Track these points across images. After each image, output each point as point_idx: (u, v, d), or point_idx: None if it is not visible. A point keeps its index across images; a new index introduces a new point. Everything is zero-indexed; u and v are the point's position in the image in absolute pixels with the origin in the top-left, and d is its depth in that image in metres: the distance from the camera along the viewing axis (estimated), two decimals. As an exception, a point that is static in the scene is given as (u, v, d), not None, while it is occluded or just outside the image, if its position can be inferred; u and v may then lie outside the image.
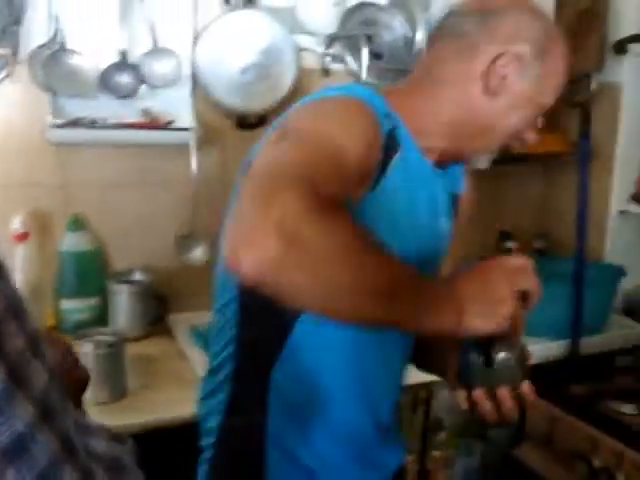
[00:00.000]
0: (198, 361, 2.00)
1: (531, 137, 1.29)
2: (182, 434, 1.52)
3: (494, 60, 1.19)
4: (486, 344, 1.11)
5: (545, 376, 1.32)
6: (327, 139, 1.00)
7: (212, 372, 1.32)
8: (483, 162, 1.32)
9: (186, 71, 2.21)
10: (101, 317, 2.20)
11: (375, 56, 2.26)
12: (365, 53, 2.20)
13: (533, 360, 1.18)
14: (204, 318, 2.19)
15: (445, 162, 1.29)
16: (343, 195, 0.96)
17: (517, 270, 1.02)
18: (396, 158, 1.14)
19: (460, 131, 1.24)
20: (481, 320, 0.97)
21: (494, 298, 0.98)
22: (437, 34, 1.28)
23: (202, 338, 2.12)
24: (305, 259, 0.85)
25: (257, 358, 1.26)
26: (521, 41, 1.19)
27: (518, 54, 1.18)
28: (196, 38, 2.21)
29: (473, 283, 0.98)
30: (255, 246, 0.83)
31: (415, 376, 1.75)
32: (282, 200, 0.85)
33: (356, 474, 1.33)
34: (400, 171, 1.15)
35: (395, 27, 2.26)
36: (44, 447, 0.58)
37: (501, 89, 1.20)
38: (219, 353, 1.29)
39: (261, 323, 1.23)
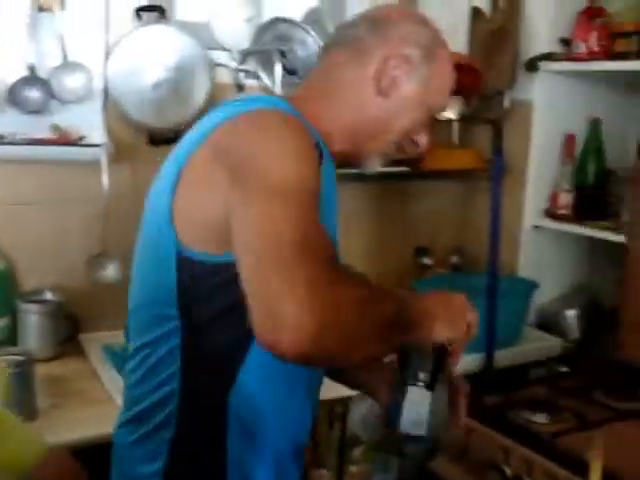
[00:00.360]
0: (111, 380, 1.97)
1: (423, 139, 1.36)
2: (92, 454, 1.48)
3: (385, 62, 1.26)
4: (436, 362, 1.20)
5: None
6: (298, 187, 1.03)
7: (145, 413, 1.26)
8: (374, 166, 1.35)
9: (97, 86, 2.18)
10: (10, 337, 2.14)
11: (289, 72, 2.26)
12: (278, 68, 2.20)
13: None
14: (117, 337, 2.17)
15: (343, 164, 1.34)
16: (333, 247, 1.08)
17: (465, 302, 1.20)
18: (322, 167, 1.16)
19: (359, 134, 1.30)
20: (448, 329, 1.14)
21: (457, 314, 1.17)
22: (331, 42, 1.35)
23: (115, 357, 2.08)
24: (335, 330, 0.93)
25: (206, 393, 1.24)
26: (410, 45, 1.27)
27: (407, 56, 1.26)
28: (108, 53, 2.18)
29: (440, 302, 1.16)
30: (291, 329, 0.89)
31: (331, 391, 1.77)
32: (302, 280, 0.91)
33: None
34: (325, 179, 1.16)
35: (309, 43, 2.27)
36: None
37: (392, 90, 1.27)
38: (151, 392, 1.25)
39: (209, 364, 1.23)
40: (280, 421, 1.28)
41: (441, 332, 1.12)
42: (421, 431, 1.17)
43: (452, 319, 1.15)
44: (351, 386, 1.59)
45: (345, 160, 1.34)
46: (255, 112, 1.14)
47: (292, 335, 0.89)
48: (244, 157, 1.08)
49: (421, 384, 1.18)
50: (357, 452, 2.17)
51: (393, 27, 1.29)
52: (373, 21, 1.30)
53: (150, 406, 1.25)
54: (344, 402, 2.06)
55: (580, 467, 1.50)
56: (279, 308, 0.90)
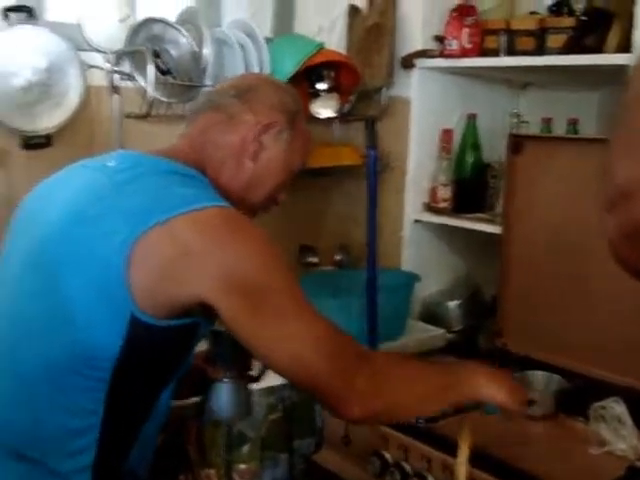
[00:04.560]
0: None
1: (282, 196, 1.53)
2: None
3: (253, 128, 1.38)
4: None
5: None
6: (298, 294, 1.22)
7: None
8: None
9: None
10: None
11: (163, 72, 2.24)
12: (151, 69, 2.18)
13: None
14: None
15: None
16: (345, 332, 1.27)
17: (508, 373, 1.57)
18: None
19: (232, 195, 1.38)
20: (494, 388, 1.42)
21: (500, 378, 1.46)
22: (203, 106, 1.46)
23: None
24: (392, 402, 1.31)
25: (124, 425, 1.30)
26: (275, 111, 1.41)
27: (273, 123, 1.40)
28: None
29: (482, 367, 1.48)
30: (360, 409, 1.24)
31: None
32: (356, 377, 1.23)
33: None
34: None
35: (182, 43, 2.26)
36: None
37: (260, 154, 1.40)
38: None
39: (130, 398, 1.29)
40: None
41: (488, 391, 1.40)
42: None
43: (496, 381, 1.42)
44: None
45: None
46: (209, 215, 1.20)
47: (359, 413, 1.23)
48: (233, 269, 1.17)
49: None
50: (245, 449, 2.17)
51: (256, 94, 1.41)
52: (240, 88, 1.43)
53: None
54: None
55: (452, 449, 1.55)
56: (348, 400, 1.22)
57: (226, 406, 1.55)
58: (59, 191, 1.34)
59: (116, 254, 1.14)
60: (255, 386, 1.61)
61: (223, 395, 1.53)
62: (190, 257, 1.15)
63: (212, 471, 2.18)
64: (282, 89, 1.49)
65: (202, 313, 1.22)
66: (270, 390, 1.63)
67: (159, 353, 1.25)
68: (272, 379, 1.59)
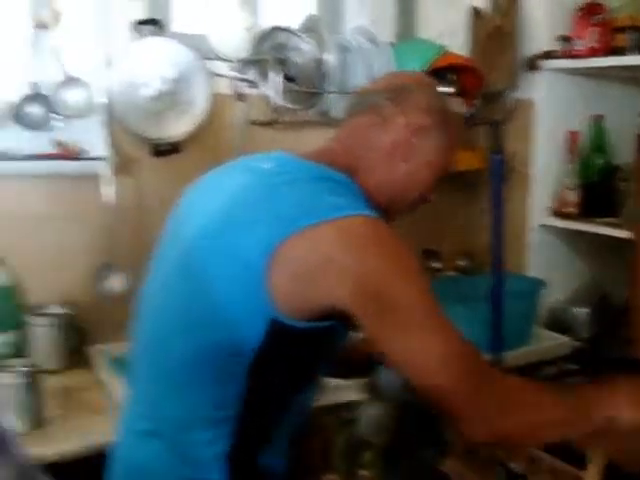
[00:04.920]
0: (118, 390, 1.98)
1: (432, 197, 1.48)
2: (98, 463, 1.50)
3: (404, 130, 1.37)
4: None
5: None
6: (432, 309, 1.20)
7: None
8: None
9: (98, 100, 2.20)
10: (19, 351, 2.16)
11: (288, 80, 2.27)
12: (277, 77, 2.21)
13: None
14: (123, 348, 2.18)
15: None
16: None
17: None
18: None
19: (384, 196, 1.39)
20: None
21: None
22: (353, 108, 1.45)
23: (121, 367, 2.09)
24: (521, 425, 1.26)
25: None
26: (426, 113, 1.38)
27: (424, 124, 1.38)
28: (107, 66, 2.21)
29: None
30: (485, 430, 1.21)
31: (339, 395, 1.89)
32: (482, 397, 1.20)
33: None
34: None
35: (306, 50, 2.28)
36: None
37: (411, 156, 1.38)
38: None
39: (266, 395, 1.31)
40: None
41: (631, 413, 1.29)
42: None
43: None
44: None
45: None
46: (354, 224, 1.21)
47: (483, 436, 1.21)
48: (371, 280, 1.18)
49: None
50: (368, 456, 2.16)
51: (408, 95, 1.40)
52: (392, 89, 1.41)
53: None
54: (352, 406, 2.06)
55: (583, 463, 1.50)
56: (472, 421, 1.20)
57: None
58: (212, 192, 1.37)
59: (260, 256, 1.17)
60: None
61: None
62: (331, 264, 1.16)
63: (334, 476, 2.19)
64: (433, 89, 1.48)
65: (340, 318, 1.23)
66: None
67: (295, 353, 1.27)
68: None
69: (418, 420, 1.62)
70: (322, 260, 1.17)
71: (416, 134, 1.38)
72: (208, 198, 1.37)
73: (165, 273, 1.36)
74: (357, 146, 1.39)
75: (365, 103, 1.43)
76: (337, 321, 1.23)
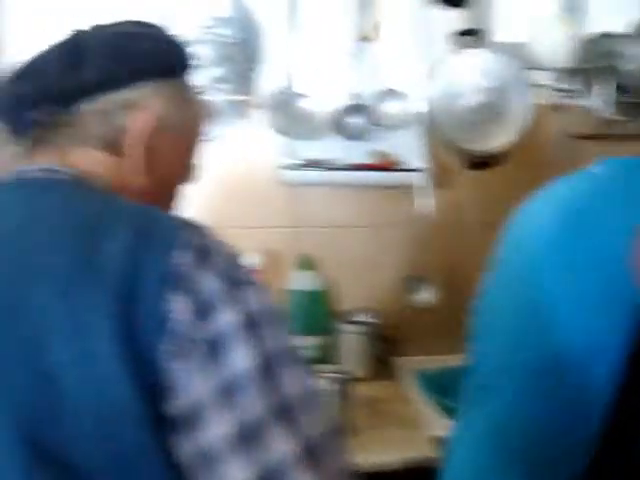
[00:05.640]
0: (422, 406, 1.96)
1: None
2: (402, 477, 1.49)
3: None
4: None
5: None
6: None
7: None
8: None
9: (416, 112, 2.20)
10: (326, 356, 2.21)
11: (620, 90, 2.12)
12: (608, 86, 2.07)
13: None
14: (430, 363, 2.17)
15: None
16: None
17: None
18: None
19: None
20: None
21: None
22: None
23: (427, 383, 2.07)
24: None
25: None
26: None
27: None
28: (426, 78, 2.19)
29: None
30: None
31: None
32: None
33: None
34: None
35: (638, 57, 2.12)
36: None
37: None
38: None
39: None
40: None
41: None
42: None
43: None
44: None
45: None
46: None
47: None
48: None
49: None
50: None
51: None
52: None
53: None
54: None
55: None
56: None
57: None
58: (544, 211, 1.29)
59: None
60: None
61: None
62: None
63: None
64: None
65: None
66: None
67: None
68: None
69: None
70: None
71: None
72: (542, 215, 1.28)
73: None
74: None
75: None
76: None
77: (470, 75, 2.19)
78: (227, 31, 2.13)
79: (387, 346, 2.27)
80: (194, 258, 0.76)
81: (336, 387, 1.80)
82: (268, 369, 0.73)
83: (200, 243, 0.79)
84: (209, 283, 0.75)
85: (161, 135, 0.95)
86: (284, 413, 0.73)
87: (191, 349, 0.72)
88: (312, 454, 0.72)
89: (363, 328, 2.20)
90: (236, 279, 0.77)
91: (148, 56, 0.95)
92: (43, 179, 0.90)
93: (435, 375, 2.09)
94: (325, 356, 2.20)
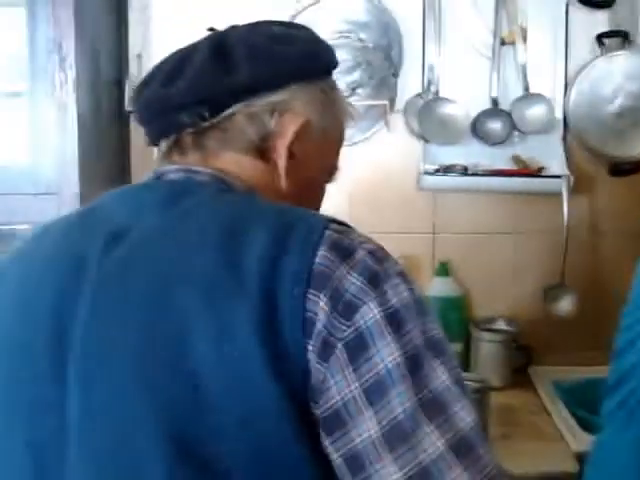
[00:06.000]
0: (560, 417, 1.92)
1: None
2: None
3: None
4: None
5: None
6: None
7: None
8: None
9: (557, 117, 2.16)
10: (462, 364, 2.19)
11: None
12: None
13: None
14: (567, 373, 2.12)
15: None
16: None
17: None
18: None
19: None
20: None
21: None
22: None
23: (565, 394, 2.03)
24: None
25: None
26: None
27: None
28: (568, 83, 2.16)
29: None
30: None
31: None
32: None
33: None
34: None
35: None
36: None
37: None
38: None
39: None
40: None
41: None
42: None
43: None
44: None
45: None
46: None
47: None
48: None
49: None
50: None
51: None
52: None
53: None
54: None
55: None
56: None
57: None
58: None
59: None
60: None
61: None
62: None
63: None
64: None
65: None
66: None
67: None
68: None
69: None
70: None
71: None
72: None
73: None
74: None
75: None
76: None
77: (614, 79, 2.14)
78: (364, 35, 2.15)
79: (524, 355, 2.23)
80: (336, 256, 0.77)
81: (474, 396, 1.79)
82: (415, 364, 0.73)
83: (342, 241, 0.79)
84: (352, 281, 0.75)
85: (307, 138, 0.94)
86: (433, 408, 0.73)
87: (336, 348, 0.73)
88: (462, 448, 0.72)
89: (501, 336, 2.18)
90: (379, 275, 0.77)
91: (298, 58, 0.94)
92: (184, 179, 0.91)
93: (573, 386, 2.05)
94: (461, 363, 2.19)
